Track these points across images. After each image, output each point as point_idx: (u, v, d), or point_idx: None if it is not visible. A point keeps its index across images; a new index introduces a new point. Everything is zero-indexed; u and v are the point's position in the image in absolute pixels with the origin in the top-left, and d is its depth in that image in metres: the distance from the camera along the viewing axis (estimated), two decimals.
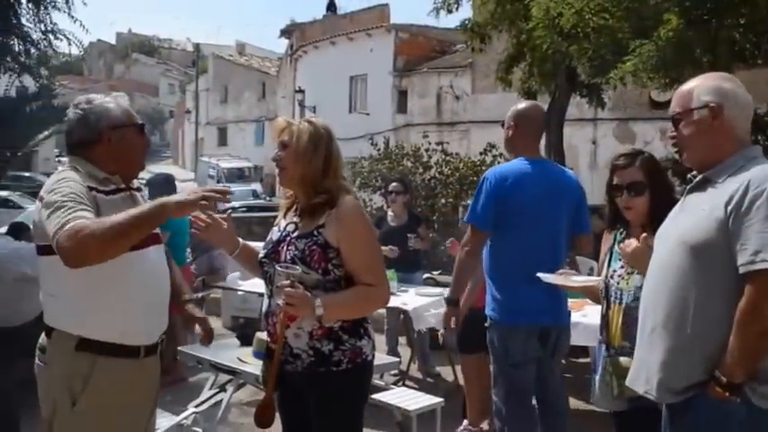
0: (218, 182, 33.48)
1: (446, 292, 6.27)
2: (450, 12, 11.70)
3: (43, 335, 2.57)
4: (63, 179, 2.45)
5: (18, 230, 6.86)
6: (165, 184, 6.30)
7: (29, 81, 9.10)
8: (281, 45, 39.24)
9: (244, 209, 20.41)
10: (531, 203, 3.71)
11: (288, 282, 2.57)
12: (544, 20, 8.48)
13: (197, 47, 50.34)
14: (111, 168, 2.59)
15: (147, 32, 73.76)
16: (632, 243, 2.86)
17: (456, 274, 3.96)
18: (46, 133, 9.99)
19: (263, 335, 4.07)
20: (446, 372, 6.47)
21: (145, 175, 5.12)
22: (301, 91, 28.76)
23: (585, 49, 8.02)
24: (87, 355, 2.47)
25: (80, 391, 2.46)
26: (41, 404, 2.57)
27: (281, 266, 2.62)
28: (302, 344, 2.68)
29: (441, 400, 4.83)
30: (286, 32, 34.27)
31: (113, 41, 70.47)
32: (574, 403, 4.84)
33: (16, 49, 8.20)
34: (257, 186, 33.23)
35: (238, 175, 34.36)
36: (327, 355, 2.67)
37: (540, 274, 3.24)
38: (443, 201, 10.24)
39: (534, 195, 3.72)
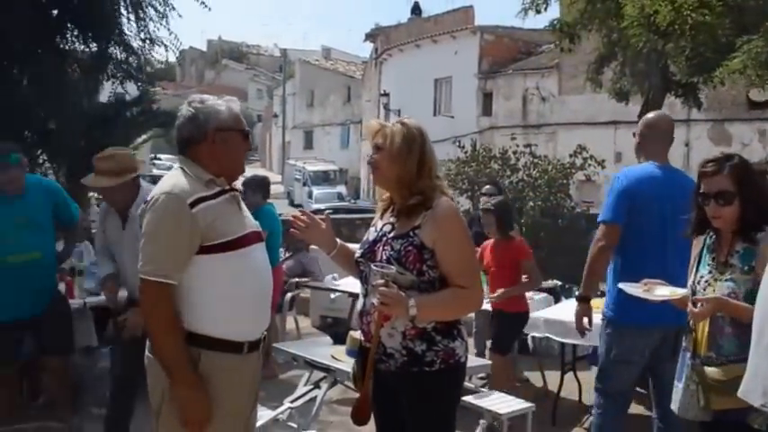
0: (304, 184, 34.04)
1: (536, 296, 6.30)
2: (538, 12, 11.58)
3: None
4: (168, 210, 2.51)
5: None
6: (259, 187, 6.47)
7: (128, 87, 9.47)
8: (366, 49, 39.61)
9: (330, 211, 20.64)
10: (657, 205, 3.77)
11: (382, 281, 2.58)
12: (639, 18, 8.29)
13: (284, 52, 51.40)
14: (214, 170, 2.64)
15: (236, 39, 75.60)
16: (697, 311, 2.77)
17: (588, 270, 3.94)
18: (144, 137, 10.35)
19: (356, 333, 4.12)
20: (535, 377, 6.37)
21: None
22: (386, 94, 28.93)
23: (683, 48, 7.79)
24: (194, 350, 2.54)
25: None
26: (150, 395, 2.67)
27: (376, 266, 2.63)
28: (395, 343, 2.68)
29: (532, 404, 4.76)
30: (371, 36, 34.56)
31: (204, 48, 72.57)
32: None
33: (118, 57, 8.55)
34: (342, 189, 33.61)
35: (324, 178, 34.82)
36: (420, 355, 2.67)
37: (621, 285, 3.21)
38: (531, 204, 10.08)
39: (661, 198, 3.77)
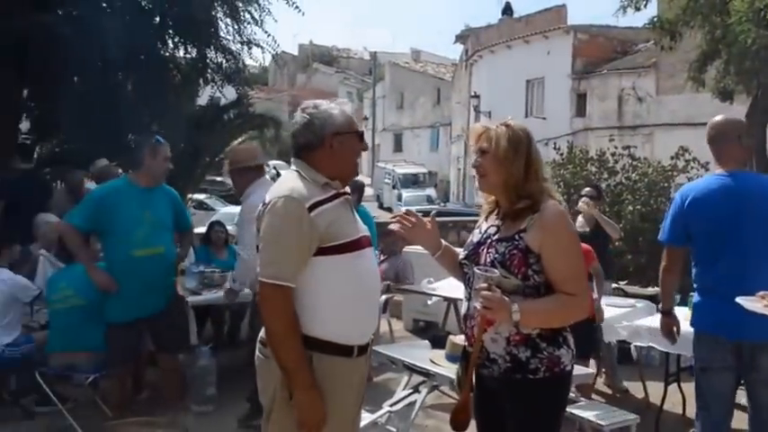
0: (394, 187, 34.18)
1: (638, 303, 6.10)
2: (638, 9, 11.27)
3: (264, 329, 2.65)
4: (288, 214, 2.51)
5: (211, 230, 7.65)
6: (357, 189, 6.54)
7: (224, 90, 9.71)
8: (456, 51, 39.45)
9: (434, 212, 20.62)
10: (713, 219, 3.70)
11: (485, 285, 2.51)
12: (748, 12, 7.91)
13: (374, 55, 51.71)
14: (330, 173, 2.64)
15: (326, 43, 76.32)
16: None
17: (660, 288, 4.20)
18: (240, 140, 10.59)
19: (456, 338, 4.07)
20: (635, 388, 6.14)
21: None
22: (477, 96, 28.73)
23: None
24: (306, 352, 2.53)
25: None
26: (260, 394, 2.69)
27: (479, 269, 2.57)
28: (499, 349, 2.61)
29: (636, 416, 4.58)
30: (461, 38, 34.44)
31: (296, 53, 73.79)
32: None
33: (216, 61, 8.77)
34: (431, 192, 33.60)
35: (413, 181, 34.90)
36: (524, 362, 2.59)
37: (739, 299, 3.15)
38: (630, 207, 9.73)
39: (723, 206, 3.68)
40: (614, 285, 7.49)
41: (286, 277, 2.50)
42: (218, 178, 27.04)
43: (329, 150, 2.63)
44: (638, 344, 5.62)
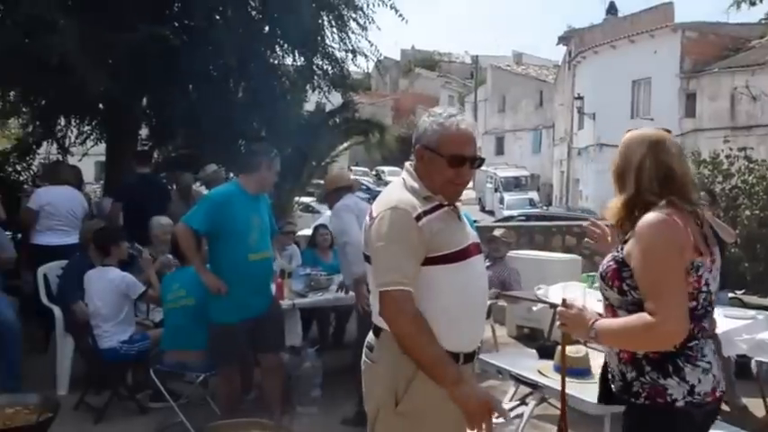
0: (496, 190, 33.85)
1: (759, 315, 5.78)
2: (753, 4, 10.75)
3: (371, 333, 2.66)
4: (396, 223, 2.48)
5: (316, 233, 7.85)
6: None
7: (329, 96, 9.89)
8: (558, 52, 38.76)
9: (522, 217, 20.28)
10: None
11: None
12: None
13: (475, 59, 51.43)
14: (428, 186, 2.59)
15: (428, 48, 76.37)
16: None
17: None
18: (345, 144, 10.73)
19: (568, 348, 3.98)
20: (754, 405, 5.82)
21: None
22: (580, 98, 28.14)
23: None
24: (411, 359, 2.50)
25: (403, 393, 2.51)
26: (365, 400, 2.68)
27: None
28: (614, 365, 2.53)
29: None
30: (564, 39, 33.76)
31: (398, 58, 74.22)
32: None
33: (323, 68, 8.95)
34: (534, 195, 33.08)
35: (515, 184, 34.42)
36: (629, 382, 2.45)
37: None
38: (747, 212, 9.22)
39: None
40: (731, 295, 7.13)
41: (404, 281, 2.44)
42: (322, 181, 27.52)
43: (421, 162, 2.61)
44: (761, 359, 5.32)
